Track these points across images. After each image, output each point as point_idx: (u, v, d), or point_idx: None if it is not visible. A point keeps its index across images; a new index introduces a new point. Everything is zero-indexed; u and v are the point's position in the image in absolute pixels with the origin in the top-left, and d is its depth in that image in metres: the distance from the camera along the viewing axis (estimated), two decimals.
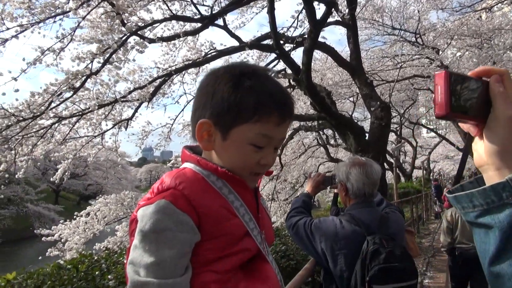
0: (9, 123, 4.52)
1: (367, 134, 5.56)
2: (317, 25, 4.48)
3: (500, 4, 8.92)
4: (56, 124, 5.28)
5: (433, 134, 22.10)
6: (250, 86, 0.77)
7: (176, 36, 5.33)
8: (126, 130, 6.25)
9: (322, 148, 12.41)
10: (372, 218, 1.73)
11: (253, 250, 0.83)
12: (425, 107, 17.92)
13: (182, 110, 7.82)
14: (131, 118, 6.11)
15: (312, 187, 2.05)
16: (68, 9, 4.04)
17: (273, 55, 6.72)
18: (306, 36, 4.88)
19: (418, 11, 9.75)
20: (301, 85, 5.01)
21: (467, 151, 0.60)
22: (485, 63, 8.07)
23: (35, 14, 4.05)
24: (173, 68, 5.91)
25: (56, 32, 4.26)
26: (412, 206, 10.68)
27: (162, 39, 5.06)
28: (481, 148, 0.54)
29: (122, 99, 5.40)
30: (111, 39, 4.46)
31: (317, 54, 9.83)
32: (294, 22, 6.26)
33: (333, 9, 4.88)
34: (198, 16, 4.96)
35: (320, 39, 5.12)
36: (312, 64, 5.50)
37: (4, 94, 4.40)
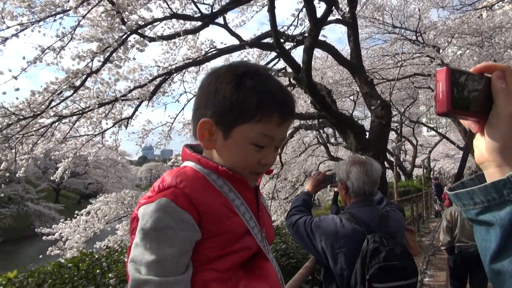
0: (10, 122, 4.52)
1: (367, 133, 5.56)
2: (318, 24, 4.47)
3: (500, 3, 8.91)
4: (57, 123, 5.28)
5: (433, 132, 22.11)
6: (252, 86, 0.77)
7: (176, 35, 5.32)
8: (126, 128, 6.25)
9: (322, 146, 12.41)
10: (372, 216, 1.73)
11: (253, 248, 0.83)
12: (426, 105, 17.90)
13: (183, 109, 7.83)
14: (131, 117, 6.11)
15: (313, 185, 2.05)
16: (68, 8, 4.04)
17: (274, 54, 6.71)
18: (306, 34, 4.88)
19: (419, 10, 9.74)
20: (301, 83, 5.01)
21: (468, 149, 0.59)
22: (485, 61, 8.05)
23: (35, 13, 4.04)
24: (173, 66, 5.90)
25: (56, 31, 4.26)
26: (413, 204, 10.69)
27: (162, 37, 5.05)
28: (482, 145, 0.53)
29: (122, 98, 5.40)
30: (111, 37, 4.45)
31: (318, 52, 9.84)
32: (294, 20, 6.26)
33: (333, 7, 4.88)
34: (199, 15, 4.95)
35: (320, 38, 5.11)
36: (313, 62, 5.50)
37: (4, 93, 4.40)
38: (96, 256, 3.68)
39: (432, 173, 23.85)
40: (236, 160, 0.81)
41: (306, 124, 7.76)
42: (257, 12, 6.94)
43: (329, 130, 11.35)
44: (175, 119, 7.76)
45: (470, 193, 0.51)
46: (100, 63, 4.55)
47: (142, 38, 4.52)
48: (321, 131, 10.83)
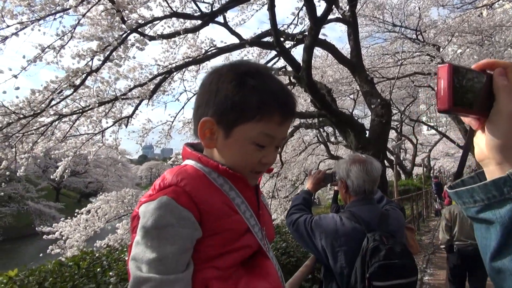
0: (10, 121, 4.52)
1: (367, 132, 5.57)
2: (318, 22, 4.47)
3: (501, 1, 8.89)
4: (57, 122, 5.29)
5: (433, 131, 22.10)
6: (253, 86, 0.78)
7: (176, 34, 5.31)
8: (126, 127, 6.25)
9: (322, 145, 12.42)
10: (372, 215, 1.74)
11: (254, 246, 0.83)
12: (426, 104, 17.91)
13: (183, 107, 7.83)
14: (131, 116, 6.11)
15: (313, 184, 2.05)
16: (68, 7, 4.04)
17: (274, 53, 6.71)
18: (306, 33, 4.87)
19: (419, 8, 9.73)
20: (301, 82, 5.00)
21: (468, 146, 0.59)
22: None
23: (35, 12, 4.04)
24: (173, 65, 5.90)
25: (56, 30, 4.26)
26: (413, 203, 10.69)
27: (162, 36, 5.05)
28: (482, 142, 0.53)
29: (122, 97, 5.40)
30: (111, 36, 4.45)
31: (318, 51, 9.83)
32: (294, 19, 6.26)
33: (333, 6, 4.87)
34: (198, 13, 4.95)
35: (320, 36, 5.11)
36: (313, 61, 5.49)
37: (5, 92, 4.41)
38: (97, 255, 3.68)
39: (432, 171, 23.87)
40: (236, 159, 0.81)
41: (306, 123, 7.76)
42: (257, 10, 6.94)
43: (329, 129, 11.37)
44: (175, 118, 7.77)
45: (470, 191, 0.50)
46: (100, 62, 4.55)
47: (142, 37, 4.52)
48: (321, 130, 10.83)
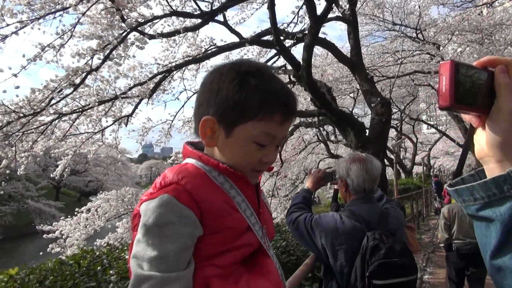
0: (10, 120, 4.52)
1: (367, 130, 5.56)
2: (318, 21, 4.46)
3: (501, 0, 8.88)
4: (56, 121, 5.28)
5: (433, 130, 22.12)
6: (255, 85, 0.78)
7: (176, 32, 5.31)
8: (126, 126, 6.25)
9: (322, 144, 12.42)
10: (372, 214, 1.74)
11: (254, 244, 0.83)
12: (426, 103, 17.91)
13: (182, 106, 7.82)
14: (131, 115, 6.11)
15: (313, 183, 2.05)
16: (68, 5, 4.03)
17: (274, 51, 6.70)
18: (306, 32, 4.87)
19: (419, 7, 9.73)
20: (301, 81, 5.00)
21: (468, 144, 0.59)
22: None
23: (35, 10, 4.03)
24: (173, 64, 5.89)
25: (56, 28, 4.24)
26: (412, 202, 10.70)
27: (162, 35, 5.04)
28: (482, 140, 0.53)
29: (122, 96, 5.40)
30: (111, 35, 4.44)
31: (318, 50, 9.81)
32: (294, 17, 6.23)
33: (333, 4, 4.86)
34: (198, 12, 4.94)
35: (320, 35, 5.10)
36: (313, 60, 5.49)
37: (5, 91, 4.40)
38: (97, 253, 3.69)
39: (432, 170, 23.86)
40: (237, 158, 0.81)
41: (306, 121, 7.75)
42: (257, 9, 6.94)
43: (329, 128, 11.35)
44: (175, 116, 7.77)
45: (470, 189, 0.50)
46: (100, 61, 4.55)
47: (142, 36, 4.52)
48: (321, 128, 10.83)
